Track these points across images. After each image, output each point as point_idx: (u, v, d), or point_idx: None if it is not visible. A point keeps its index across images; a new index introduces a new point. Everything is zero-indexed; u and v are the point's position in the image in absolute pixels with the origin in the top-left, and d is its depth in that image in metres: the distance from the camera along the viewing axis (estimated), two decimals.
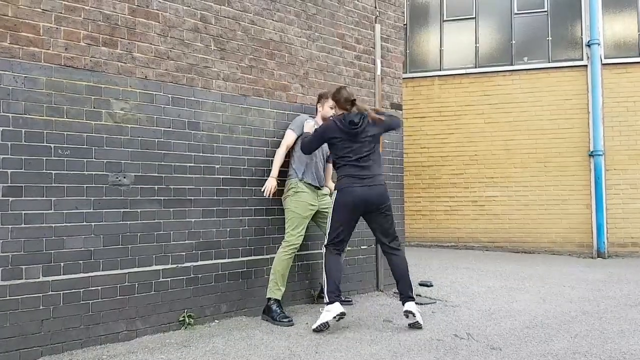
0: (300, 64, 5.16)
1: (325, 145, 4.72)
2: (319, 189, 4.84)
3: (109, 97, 3.92)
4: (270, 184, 4.61)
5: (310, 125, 4.73)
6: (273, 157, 4.78)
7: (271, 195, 4.63)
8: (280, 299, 4.56)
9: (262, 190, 4.62)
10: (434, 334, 4.16)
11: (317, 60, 5.31)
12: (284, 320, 4.40)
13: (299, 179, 4.71)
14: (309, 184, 4.74)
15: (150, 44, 4.14)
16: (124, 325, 3.93)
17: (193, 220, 4.36)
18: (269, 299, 4.56)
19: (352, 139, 4.35)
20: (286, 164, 4.82)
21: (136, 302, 4.00)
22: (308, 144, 4.56)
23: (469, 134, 10.15)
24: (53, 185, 3.64)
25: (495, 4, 10.20)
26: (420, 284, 6.14)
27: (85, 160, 3.78)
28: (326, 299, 4.26)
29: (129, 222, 3.99)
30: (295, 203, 4.67)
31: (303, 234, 4.68)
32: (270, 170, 4.74)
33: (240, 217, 4.67)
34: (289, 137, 4.76)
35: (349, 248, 5.46)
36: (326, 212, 4.81)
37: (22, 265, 3.51)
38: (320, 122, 4.84)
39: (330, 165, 5.02)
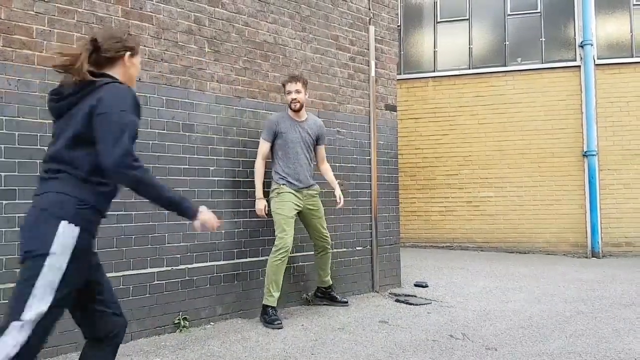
0: (294, 65, 5.16)
1: (308, 139, 4.74)
2: (305, 189, 4.72)
3: None
4: (259, 207, 4.61)
5: None
6: (268, 158, 4.79)
7: (267, 213, 4.64)
8: (274, 305, 4.48)
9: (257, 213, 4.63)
10: (429, 335, 4.17)
11: (312, 62, 5.31)
12: (274, 323, 4.35)
13: (279, 183, 4.64)
14: (291, 184, 4.64)
15: (144, 46, 4.13)
16: None
17: (187, 222, 4.32)
18: (264, 305, 4.52)
19: None
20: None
21: (131, 305, 3.98)
22: None
23: (463, 134, 10.17)
24: None
25: (489, 5, 10.23)
26: (416, 285, 6.15)
27: None
28: None
29: (123, 225, 3.97)
30: (278, 204, 4.60)
31: (291, 235, 4.55)
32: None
33: (235, 219, 4.66)
34: (263, 147, 4.66)
35: (344, 249, 5.47)
36: (314, 213, 4.79)
37: (16, 269, 3.48)
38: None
39: (325, 164, 5.01)
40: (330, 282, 5.09)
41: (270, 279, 4.49)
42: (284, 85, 4.71)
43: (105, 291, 2.29)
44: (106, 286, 2.31)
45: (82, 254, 2.09)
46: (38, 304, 1.99)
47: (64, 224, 2.04)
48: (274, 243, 4.60)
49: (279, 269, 4.49)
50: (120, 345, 3.82)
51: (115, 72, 2.25)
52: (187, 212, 2.26)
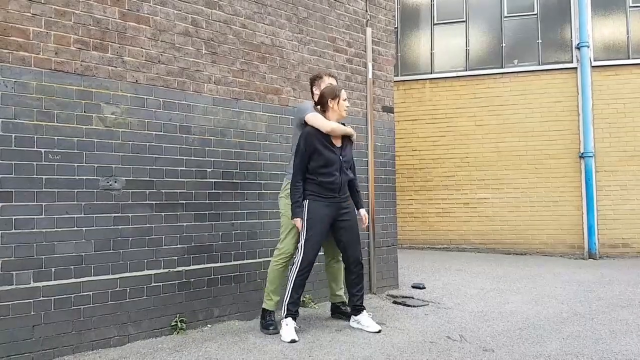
0: (291, 67, 5.16)
1: None
2: None
3: (100, 101, 3.90)
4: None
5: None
6: (266, 160, 4.86)
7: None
8: (272, 309, 4.36)
9: None
10: (426, 337, 4.17)
11: (309, 64, 5.32)
12: (269, 328, 4.25)
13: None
14: None
15: (141, 48, 4.13)
16: (116, 331, 3.91)
17: (185, 224, 4.34)
18: (263, 308, 4.41)
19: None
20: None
21: (128, 307, 3.98)
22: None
23: (460, 136, 10.19)
24: (43, 190, 3.62)
25: (486, 7, 10.26)
26: (413, 287, 6.16)
27: (76, 164, 3.77)
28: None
29: (120, 227, 3.97)
30: (288, 206, 4.31)
31: (297, 241, 4.29)
32: (261, 174, 4.76)
33: (233, 221, 4.66)
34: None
35: None
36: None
37: (13, 271, 3.48)
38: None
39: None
40: (344, 298, 4.76)
41: (269, 283, 4.37)
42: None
43: None
44: None
45: None
46: None
47: None
48: (275, 245, 4.52)
49: (279, 274, 4.34)
50: (118, 347, 3.85)
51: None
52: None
